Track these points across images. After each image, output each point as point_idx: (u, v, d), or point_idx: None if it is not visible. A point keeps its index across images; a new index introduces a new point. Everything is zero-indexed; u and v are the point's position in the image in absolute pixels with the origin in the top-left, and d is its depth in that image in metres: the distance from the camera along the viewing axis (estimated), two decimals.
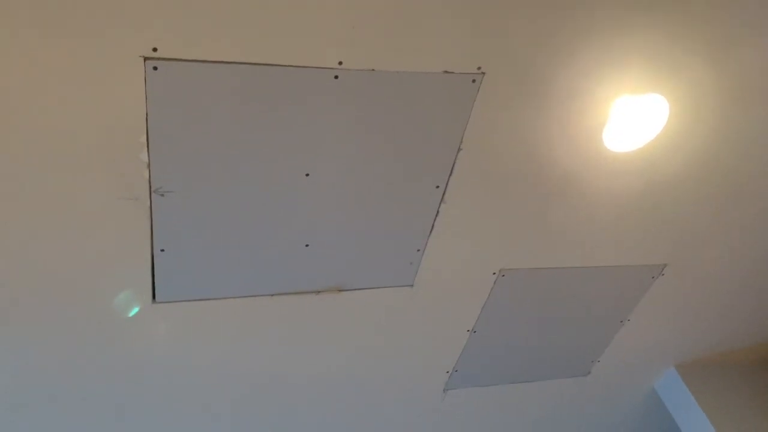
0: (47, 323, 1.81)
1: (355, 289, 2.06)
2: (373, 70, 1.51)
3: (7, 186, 1.47)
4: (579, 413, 3.09)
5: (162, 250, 1.73)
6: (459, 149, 1.76)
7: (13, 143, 1.41)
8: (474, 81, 1.61)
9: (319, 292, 2.02)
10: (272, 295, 1.97)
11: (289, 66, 1.45)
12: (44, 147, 1.43)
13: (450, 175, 1.82)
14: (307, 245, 1.87)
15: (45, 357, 1.90)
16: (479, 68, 1.59)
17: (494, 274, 2.19)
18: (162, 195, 1.60)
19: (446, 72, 1.57)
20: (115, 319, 1.86)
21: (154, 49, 1.35)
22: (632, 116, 1.80)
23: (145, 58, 1.35)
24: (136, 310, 1.91)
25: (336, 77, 1.50)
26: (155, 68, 1.37)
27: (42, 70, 1.31)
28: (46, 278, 1.70)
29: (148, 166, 1.53)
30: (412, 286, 2.12)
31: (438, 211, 1.91)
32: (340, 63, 1.48)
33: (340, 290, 2.05)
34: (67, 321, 1.82)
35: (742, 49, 1.72)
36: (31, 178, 1.48)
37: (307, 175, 1.69)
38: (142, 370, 2.03)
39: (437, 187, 1.85)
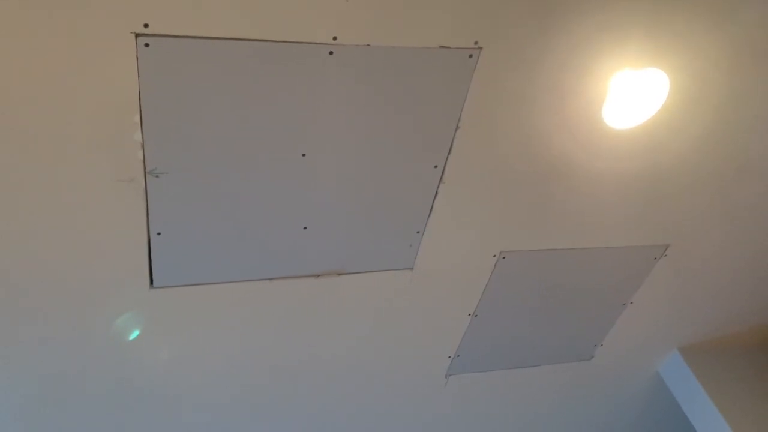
0: (41, 312, 1.79)
1: (355, 273, 2.05)
2: (368, 45, 1.49)
3: None
4: (582, 398, 3.07)
5: (158, 234, 1.72)
6: (457, 127, 1.74)
7: None
8: (471, 56, 1.59)
9: (318, 275, 2.01)
10: (271, 279, 1.96)
11: (282, 42, 1.43)
12: (34, 129, 1.41)
13: (449, 154, 1.80)
14: (305, 228, 1.86)
15: (38, 346, 1.88)
16: (476, 43, 1.57)
17: (494, 256, 2.17)
18: (157, 176, 1.59)
19: (442, 47, 1.55)
20: (110, 305, 1.84)
21: (146, 25, 1.33)
22: (632, 92, 1.78)
23: (137, 35, 1.33)
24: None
25: (331, 53, 1.48)
26: (147, 45, 1.35)
27: (28, 48, 1.29)
28: (38, 266, 1.68)
29: (142, 146, 1.51)
30: (412, 269, 2.10)
31: (437, 192, 1.90)
32: (335, 38, 1.46)
33: (339, 274, 2.03)
34: (61, 309, 1.80)
35: (744, 18, 1.69)
36: (20, 161, 1.45)
37: (304, 155, 1.67)
38: (138, 356, 2.01)
39: (436, 166, 1.83)
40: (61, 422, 2.15)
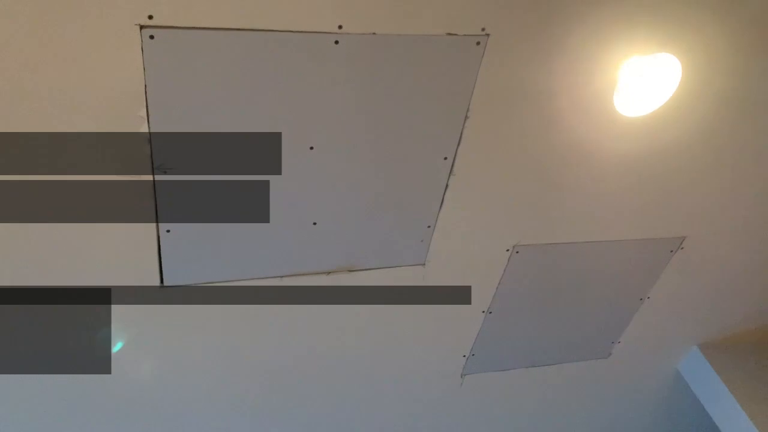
0: (48, 315, 1.78)
1: (366, 269, 2.02)
2: (374, 33, 1.48)
3: None
4: (600, 397, 3.01)
5: (168, 231, 1.71)
6: (466, 117, 1.72)
7: (2, 121, 1.38)
8: (478, 43, 1.57)
9: (329, 272, 1.99)
10: (282, 276, 1.94)
11: (287, 31, 1.42)
12: (37, 125, 1.41)
13: (458, 145, 1.78)
14: (314, 223, 1.84)
15: (47, 345, 1.87)
16: (483, 29, 1.55)
17: (508, 250, 2.14)
18: (164, 172, 1.58)
19: (449, 34, 1.53)
20: (120, 305, 1.83)
21: (150, 17, 1.32)
22: (643, 78, 1.75)
23: (141, 27, 1.33)
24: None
25: (336, 42, 1.47)
26: (152, 37, 1.35)
27: (30, 42, 1.29)
28: (43, 267, 1.67)
29: (149, 141, 1.51)
30: (423, 264, 2.07)
31: (447, 185, 1.87)
32: (340, 27, 1.45)
33: (350, 270, 2.01)
34: (69, 310, 1.79)
35: None
36: (22, 159, 1.45)
37: (311, 148, 1.66)
38: (150, 356, 2.00)
39: (445, 158, 1.80)
40: (59, 417, 2.14)
